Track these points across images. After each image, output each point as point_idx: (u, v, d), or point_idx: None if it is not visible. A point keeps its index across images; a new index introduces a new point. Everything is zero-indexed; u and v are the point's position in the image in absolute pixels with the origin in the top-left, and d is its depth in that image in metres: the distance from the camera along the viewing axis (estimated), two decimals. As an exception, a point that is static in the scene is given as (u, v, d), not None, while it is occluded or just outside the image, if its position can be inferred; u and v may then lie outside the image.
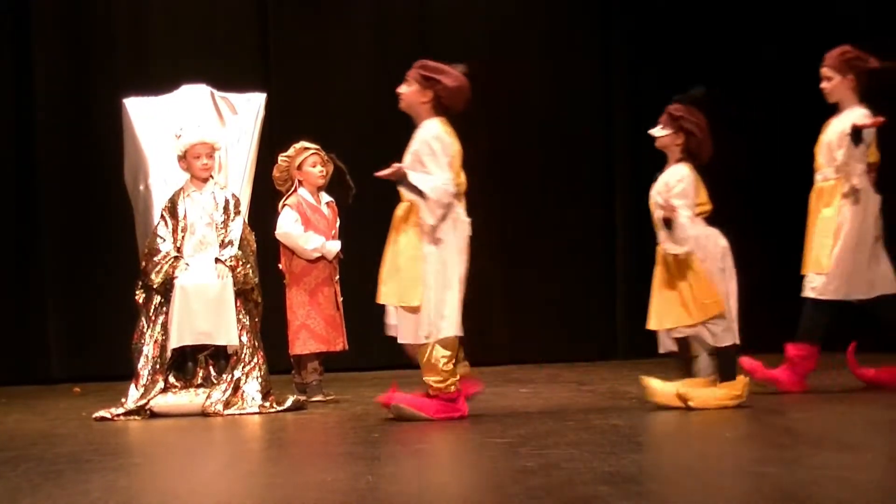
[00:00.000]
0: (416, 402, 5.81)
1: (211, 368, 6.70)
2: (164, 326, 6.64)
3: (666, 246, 5.91)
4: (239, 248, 6.76)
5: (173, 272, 6.66)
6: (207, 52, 9.56)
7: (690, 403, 5.81)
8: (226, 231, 6.80)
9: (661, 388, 5.89)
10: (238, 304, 6.69)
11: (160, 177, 7.12)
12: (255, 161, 7.23)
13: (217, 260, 6.72)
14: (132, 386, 6.60)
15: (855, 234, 6.46)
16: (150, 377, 6.60)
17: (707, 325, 5.83)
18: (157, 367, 6.62)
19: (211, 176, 6.92)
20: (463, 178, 5.95)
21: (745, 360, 6.52)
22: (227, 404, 6.50)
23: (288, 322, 7.14)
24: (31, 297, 9.49)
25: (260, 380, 6.61)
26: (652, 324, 5.96)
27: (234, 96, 7.31)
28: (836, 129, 6.50)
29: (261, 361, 6.70)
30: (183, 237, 6.80)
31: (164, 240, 6.77)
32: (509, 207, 9.99)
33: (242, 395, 6.55)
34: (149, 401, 6.52)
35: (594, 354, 9.89)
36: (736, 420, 5.48)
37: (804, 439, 4.77)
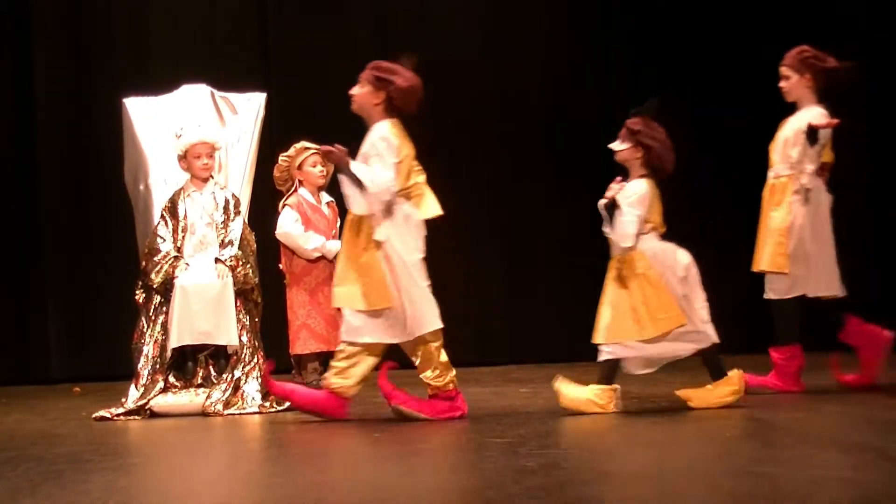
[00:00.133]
0: (415, 402, 5.82)
1: (211, 368, 6.70)
2: (164, 326, 6.64)
3: (607, 230, 5.87)
4: (239, 248, 6.77)
5: (173, 272, 6.67)
6: (207, 52, 9.55)
7: (691, 404, 5.82)
8: (226, 231, 6.81)
9: (573, 393, 5.84)
10: (238, 304, 6.70)
11: (160, 177, 7.13)
12: (255, 161, 7.24)
13: (217, 260, 6.72)
14: (132, 386, 6.60)
15: (810, 232, 6.48)
16: (150, 377, 6.60)
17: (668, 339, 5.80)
18: (157, 366, 6.62)
19: (211, 176, 6.93)
20: (421, 178, 5.91)
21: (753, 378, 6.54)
22: (227, 404, 6.50)
23: (288, 322, 7.14)
24: (31, 297, 9.48)
25: (260, 380, 6.61)
26: (598, 337, 5.87)
27: (234, 96, 7.32)
28: (792, 127, 6.53)
29: (261, 361, 6.70)
30: (183, 237, 6.80)
31: (164, 240, 6.77)
32: (509, 207, 9.99)
33: (242, 394, 6.55)
34: (149, 401, 6.52)
35: (594, 354, 9.88)
36: (736, 420, 5.48)
37: (804, 439, 4.77)
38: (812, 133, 6.37)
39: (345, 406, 5.91)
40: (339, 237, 7.31)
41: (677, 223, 10.15)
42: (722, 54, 9.95)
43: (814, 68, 6.53)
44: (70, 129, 9.58)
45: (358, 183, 5.69)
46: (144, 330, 6.71)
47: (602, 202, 5.92)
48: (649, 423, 5.41)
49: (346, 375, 5.82)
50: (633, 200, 5.83)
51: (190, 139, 6.82)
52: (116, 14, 9.71)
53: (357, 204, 5.73)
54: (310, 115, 9.36)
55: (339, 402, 5.88)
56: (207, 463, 4.99)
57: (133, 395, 6.56)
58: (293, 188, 7.25)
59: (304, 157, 7.23)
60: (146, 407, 6.50)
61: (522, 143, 10.08)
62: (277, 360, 7.29)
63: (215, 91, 7.29)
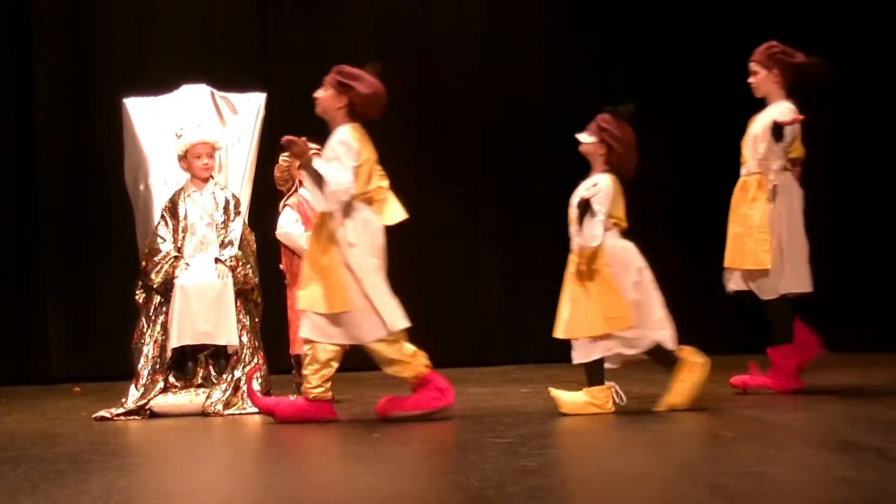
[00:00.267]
0: (404, 403, 5.83)
1: (211, 368, 6.70)
2: (164, 326, 6.64)
3: (578, 240, 5.86)
4: (239, 249, 6.77)
5: (173, 272, 6.67)
6: (207, 52, 9.56)
7: (680, 406, 5.80)
8: (226, 231, 6.81)
9: (570, 398, 5.83)
10: (238, 304, 6.70)
11: (160, 177, 7.12)
12: (255, 161, 7.24)
13: (217, 260, 6.72)
14: (132, 386, 6.60)
15: (785, 229, 6.48)
16: (150, 377, 6.60)
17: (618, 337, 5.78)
18: (157, 367, 6.62)
19: (211, 176, 6.93)
20: (384, 183, 5.91)
21: (735, 379, 6.52)
22: (227, 404, 6.50)
23: (288, 322, 7.14)
24: (31, 297, 9.49)
25: (260, 380, 6.62)
26: (558, 332, 5.88)
27: (234, 96, 7.32)
28: (761, 124, 6.54)
29: (261, 361, 6.70)
30: (183, 237, 6.80)
31: (165, 240, 6.77)
32: (510, 207, 9.99)
33: (242, 395, 6.55)
34: (149, 401, 6.52)
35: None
36: (736, 420, 5.48)
37: (804, 439, 4.77)
38: (777, 129, 6.37)
39: (330, 407, 5.93)
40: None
41: (677, 224, 10.17)
42: (722, 54, 9.94)
43: (782, 63, 6.55)
44: (70, 129, 9.58)
45: (318, 179, 5.70)
46: (144, 330, 6.71)
47: (576, 201, 5.89)
48: (649, 423, 5.41)
49: (320, 383, 5.84)
50: (599, 198, 5.81)
51: (190, 139, 6.82)
52: (116, 14, 9.72)
53: (317, 200, 5.76)
54: (310, 115, 9.35)
55: (323, 406, 5.89)
56: (207, 463, 4.99)
57: (133, 396, 6.56)
58: (294, 188, 7.25)
59: (305, 157, 7.23)
60: (146, 407, 6.50)
61: (522, 143, 10.09)
62: (277, 360, 7.32)
63: (215, 91, 7.29)
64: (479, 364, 9.30)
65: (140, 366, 6.64)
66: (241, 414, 6.45)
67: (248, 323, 6.72)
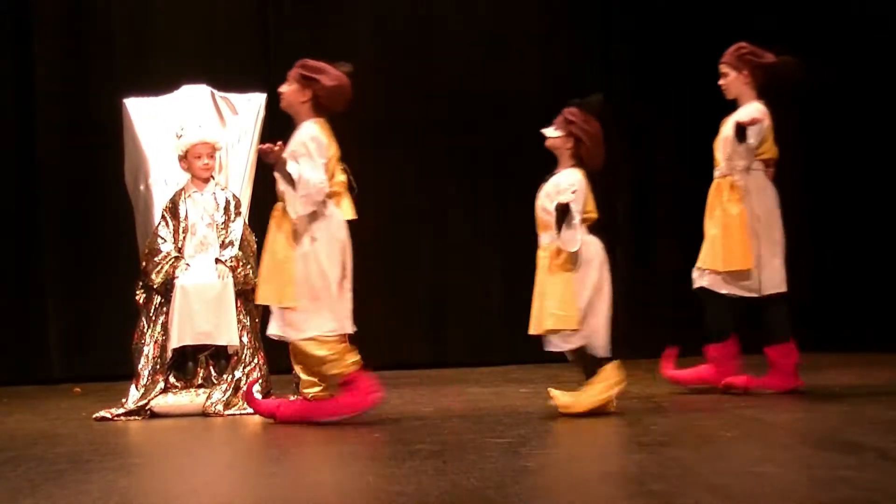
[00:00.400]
0: (323, 408, 5.83)
1: (211, 368, 6.70)
2: (165, 327, 6.64)
3: (547, 240, 5.81)
4: (239, 249, 6.77)
5: (174, 272, 6.67)
6: (207, 52, 9.55)
7: (574, 410, 5.70)
8: (226, 231, 6.81)
9: (567, 398, 5.79)
10: (238, 305, 6.70)
11: (160, 177, 7.12)
12: (255, 161, 7.23)
13: (217, 260, 6.72)
14: (132, 386, 6.60)
15: (761, 229, 6.47)
16: (150, 377, 6.60)
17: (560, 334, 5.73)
18: (158, 367, 6.62)
19: (212, 176, 6.93)
20: (342, 178, 5.91)
21: (735, 379, 6.50)
22: (227, 405, 6.50)
23: (288, 322, 7.13)
24: (31, 297, 9.48)
25: (260, 380, 6.61)
26: (532, 328, 5.86)
27: (234, 96, 7.31)
28: (731, 125, 6.54)
29: (261, 362, 6.70)
30: (184, 238, 6.80)
31: (165, 240, 6.77)
32: (510, 208, 9.99)
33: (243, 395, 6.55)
34: (149, 401, 6.52)
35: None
36: (736, 420, 5.48)
37: (804, 439, 4.77)
38: (739, 130, 6.37)
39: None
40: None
41: (677, 223, 10.15)
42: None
43: (751, 64, 6.56)
44: (70, 129, 9.57)
45: (292, 183, 5.68)
46: (145, 330, 6.71)
47: (546, 202, 5.84)
48: (649, 423, 5.41)
49: (316, 382, 5.86)
50: (576, 200, 5.74)
51: (190, 139, 6.81)
52: (116, 14, 9.71)
53: (292, 205, 5.72)
54: (310, 115, 9.35)
55: (321, 405, 5.90)
56: (207, 463, 4.99)
57: (133, 396, 6.56)
58: (294, 188, 7.25)
59: (305, 157, 7.24)
60: (146, 407, 6.50)
61: (522, 143, 10.08)
62: (277, 361, 7.30)
63: (215, 91, 7.29)
64: (479, 364, 9.30)
65: (140, 366, 6.64)
66: (241, 414, 6.44)
67: (248, 323, 6.72)
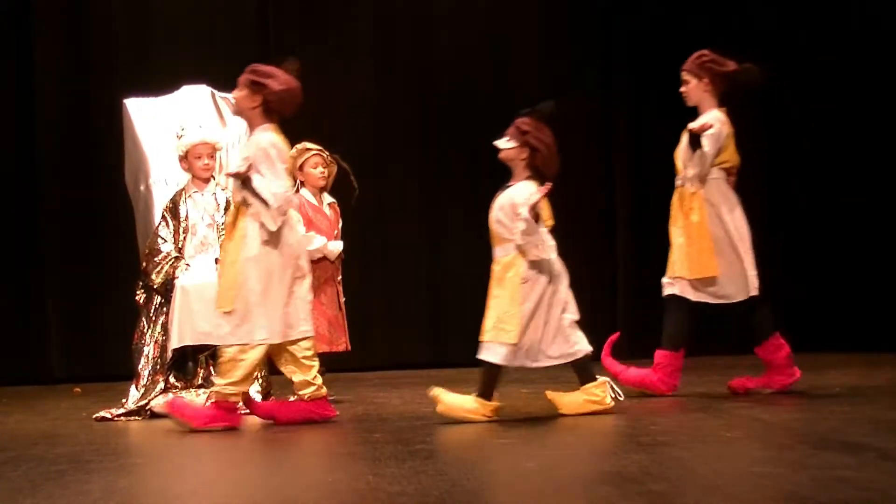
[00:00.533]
0: (188, 411, 5.83)
1: (211, 369, 6.70)
2: (165, 327, 6.64)
3: (528, 251, 5.75)
4: (239, 249, 6.77)
5: (174, 272, 6.67)
6: (207, 52, 9.56)
7: (438, 407, 5.70)
8: (226, 231, 6.82)
9: (567, 399, 5.79)
10: (238, 305, 6.70)
11: (161, 177, 7.13)
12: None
13: (217, 260, 6.72)
14: (132, 386, 6.61)
15: (724, 236, 6.44)
16: (150, 378, 6.60)
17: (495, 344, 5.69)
18: (158, 367, 6.62)
19: (212, 176, 6.93)
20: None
21: (734, 382, 6.49)
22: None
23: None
24: (31, 297, 9.49)
25: (260, 380, 6.62)
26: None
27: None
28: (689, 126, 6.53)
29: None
30: (184, 238, 6.80)
31: (165, 240, 6.77)
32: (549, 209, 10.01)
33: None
34: (149, 401, 6.53)
35: (594, 354, 9.87)
36: (736, 420, 5.48)
37: (804, 439, 4.77)
38: (693, 139, 6.35)
39: (326, 404, 5.95)
40: (341, 238, 7.33)
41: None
42: (722, 54, 9.95)
43: (712, 72, 6.55)
44: (70, 129, 9.58)
45: (261, 199, 5.68)
46: (145, 330, 6.71)
47: (499, 214, 5.77)
48: (649, 424, 5.41)
49: (310, 382, 5.86)
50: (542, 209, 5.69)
51: (191, 139, 6.81)
52: (116, 14, 9.72)
53: (266, 220, 5.71)
54: (310, 115, 9.35)
55: (321, 404, 5.90)
56: (207, 463, 4.99)
57: (133, 396, 6.56)
58: (295, 189, 7.25)
59: (305, 157, 7.24)
60: (147, 407, 6.50)
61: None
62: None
63: (216, 91, 7.30)
64: (479, 364, 9.30)
65: (140, 366, 6.64)
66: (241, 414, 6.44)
67: (248, 323, 6.72)
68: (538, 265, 5.72)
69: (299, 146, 7.27)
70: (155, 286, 6.71)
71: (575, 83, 10.18)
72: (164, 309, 6.67)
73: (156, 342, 6.67)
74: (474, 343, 10.32)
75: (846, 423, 5.22)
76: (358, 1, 10.10)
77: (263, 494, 3.96)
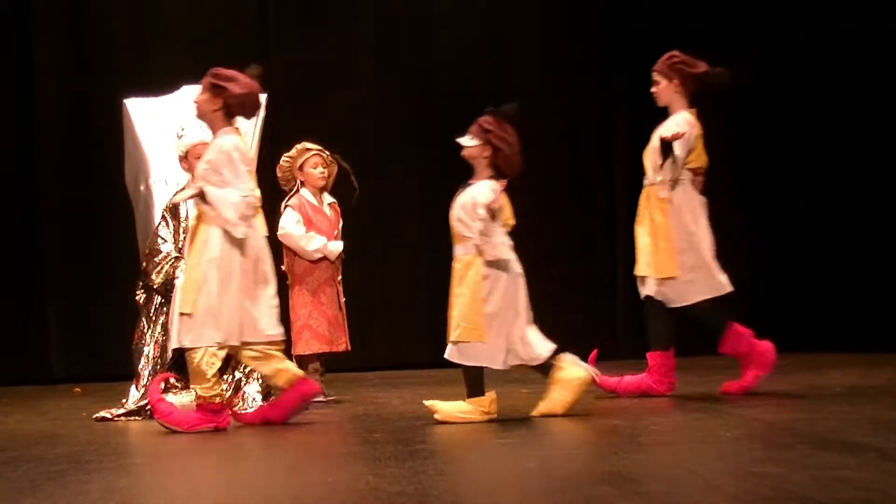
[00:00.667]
0: (174, 416, 5.80)
1: (211, 369, 6.70)
2: (165, 327, 6.64)
3: (485, 250, 5.73)
4: (239, 249, 6.77)
5: (174, 273, 6.66)
6: (208, 53, 9.55)
7: (436, 416, 5.65)
8: (226, 231, 6.81)
9: (556, 396, 5.75)
10: (238, 305, 6.70)
11: (160, 177, 7.13)
12: (255, 161, 7.23)
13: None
14: (133, 387, 6.61)
15: (688, 237, 6.42)
16: (150, 378, 6.59)
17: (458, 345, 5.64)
18: (158, 367, 6.62)
19: (211, 176, 6.92)
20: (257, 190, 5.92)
21: (726, 385, 6.47)
22: (227, 405, 6.49)
23: (291, 322, 7.14)
24: (31, 297, 9.49)
25: (261, 381, 6.61)
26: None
27: (234, 96, 7.31)
28: (659, 134, 6.51)
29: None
30: (184, 238, 6.80)
31: (166, 240, 6.77)
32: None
33: (243, 395, 6.55)
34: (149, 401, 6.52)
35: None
36: (736, 420, 5.48)
37: (804, 439, 4.77)
38: (665, 146, 6.34)
39: (308, 381, 5.95)
40: (341, 238, 7.33)
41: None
42: (722, 54, 9.94)
43: (682, 73, 6.56)
44: (70, 129, 9.59)
45: (224, 207, 5.68)
46: (145, 331, 6.71)
47: (460, 213, 5.76)
48: (649, 424, 5.41)
49: (279, 369, 5.85)
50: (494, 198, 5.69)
51: (191, 139, 6.81)
52: (117, 14, 9.72)
53: (233, 228, 5.70)
54: (310, 115, 9.37)
55: (301, 383, 5.87)
56: (207, 463, 4.99)
57: (134, 396, 6.56)
58: (295, 189, 7.26)
59: (305, 157, 7.24)
60: (146, 407, 6.50)
61: (522, 143, 10.08)
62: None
63: (216, 91, 7.28)
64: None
65: (141, 366, 6.64)
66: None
67: (248, 323, 6.72)
68: (496, 264, 5.70)
69: (299, 146, 7.27)
70: (155, 286, 6.71)
71: (575, 83, 10.19)
72: (165, 309, 6.67)
73: (156, 342, 6.67)
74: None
75: (846, 423, 5.22)
76: (358, 1, 10.09)
77: (263, 494, 3.96)
